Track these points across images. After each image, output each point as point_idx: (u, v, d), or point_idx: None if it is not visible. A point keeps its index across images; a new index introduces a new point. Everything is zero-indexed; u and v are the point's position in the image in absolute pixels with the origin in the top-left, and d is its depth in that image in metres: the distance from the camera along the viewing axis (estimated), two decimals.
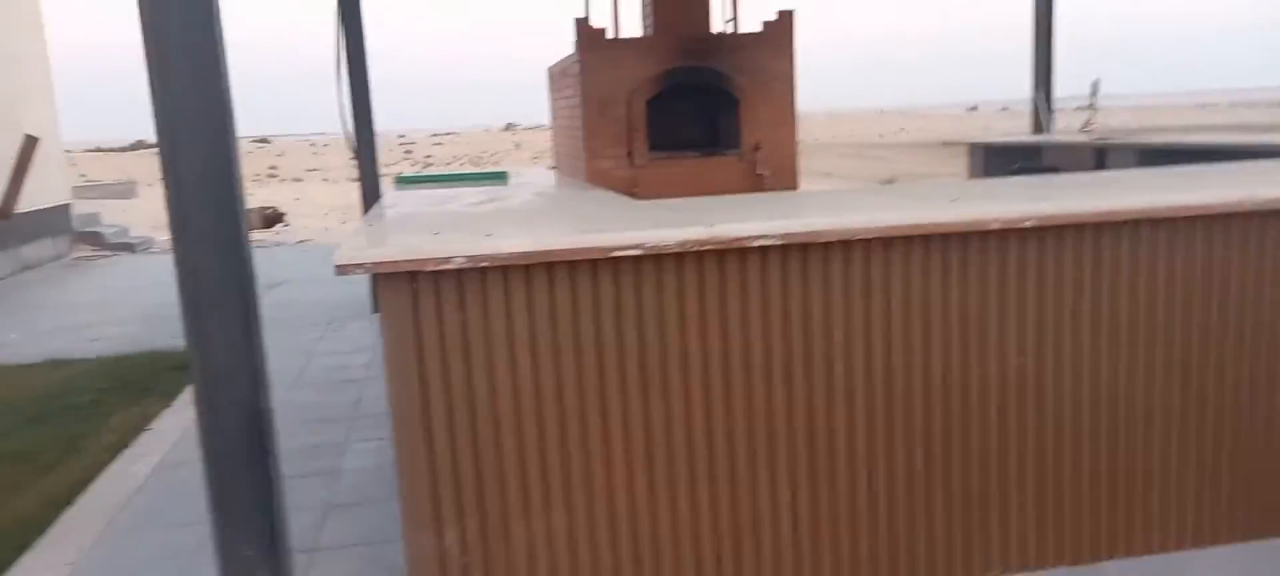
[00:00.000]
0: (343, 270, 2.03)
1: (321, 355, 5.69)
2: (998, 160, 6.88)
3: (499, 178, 4.45)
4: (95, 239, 12.05)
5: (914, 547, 2.58)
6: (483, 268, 2.16)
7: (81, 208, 13.29)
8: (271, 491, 2.22)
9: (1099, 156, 5.84)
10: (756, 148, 5.95)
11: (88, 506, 3.54)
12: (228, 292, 2.09)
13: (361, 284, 7.04)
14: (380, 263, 2.07)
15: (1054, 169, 5.82)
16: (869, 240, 2.38)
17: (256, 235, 14.61)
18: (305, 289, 8.20)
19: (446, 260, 2.09)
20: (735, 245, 2.27)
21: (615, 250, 2.20)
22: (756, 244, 2.28)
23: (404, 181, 4.45)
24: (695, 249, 2.26)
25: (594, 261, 2.25)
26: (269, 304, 7.40)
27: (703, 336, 2.35)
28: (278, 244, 13.41)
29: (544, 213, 2.94)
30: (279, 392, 4.84)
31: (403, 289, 2.14)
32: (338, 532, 3.17)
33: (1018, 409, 2.57)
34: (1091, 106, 6.36)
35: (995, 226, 2.41)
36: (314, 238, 14.15)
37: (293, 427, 4.25)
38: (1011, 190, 2.86)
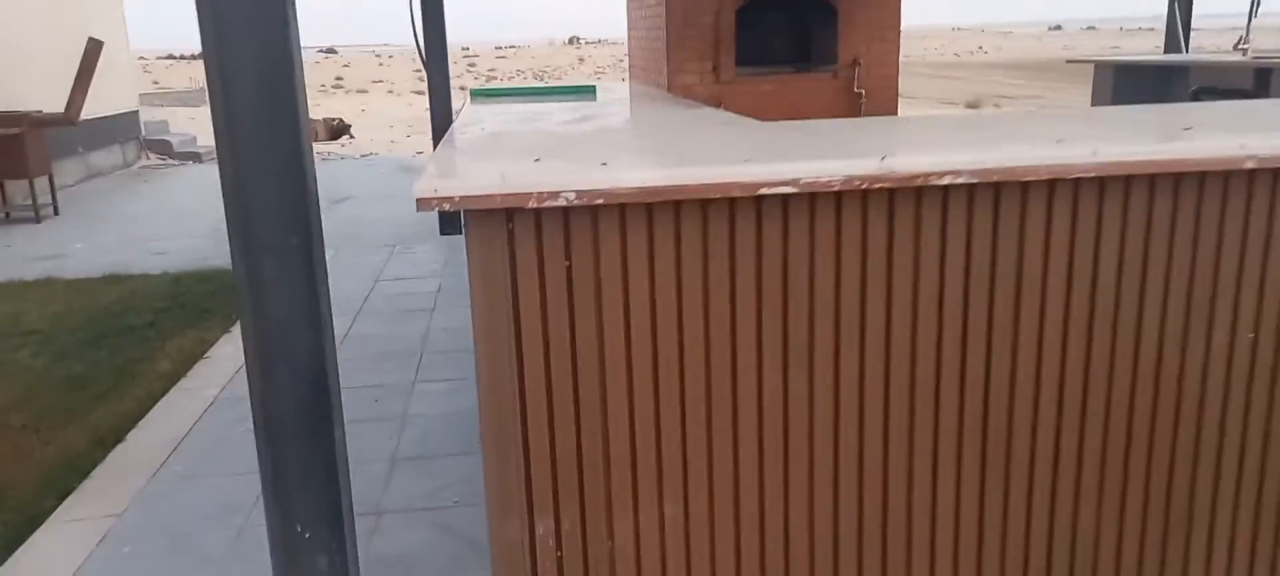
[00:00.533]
0: (425, 204, 1.60)
1: (387, 280, 5.35)
2: (1131, 83, 6.14)
3: (586, 92, 3.97)
4: (163, 147, 11.92)
5: (1098, 562, 2.11)
6: (596, 205, 1.70)
7: (150, 115, 13.17)
8: (334, 468, 1.84)
9: (1261, 78, 5.11)
10: (854, 63, 5.39)
11: (138, 444, 3.25)
12: (288, 234, 1.68)
13: None
14: (471, 196, 1.62)
15: (1242, 92, 5.09)
16: (1080, 179, 1.86)
17: (322, 147, 14.39)
18: (370, 205, 7.89)
19: (553, 194, 1.64)
20: (913, 183, 1.77)
21: (764, 186, 1.72)
22: (942, 182, 1.78)
23: (480, 94, 3.99)
24: (861, 187, 1.77)
25: (732, 200, 1.78)
26: (333, 221, 7.09)
27: (861, 295, 1.88)
28: (343, 157, 13.17)
29: (658, 135, 2.47)
30: (341, 323, 4.56)
31: (497, 229, 1.69)
32: (404, 491, 2.82)
33: (1243, 395, 2.05)
34: (1250, 22, 5.57)
35: (1249, 165, 1.86)
36: (379, 150, 13.89)
37: (356, 364, 3.92)
38: (1249, 118, 2.28)
